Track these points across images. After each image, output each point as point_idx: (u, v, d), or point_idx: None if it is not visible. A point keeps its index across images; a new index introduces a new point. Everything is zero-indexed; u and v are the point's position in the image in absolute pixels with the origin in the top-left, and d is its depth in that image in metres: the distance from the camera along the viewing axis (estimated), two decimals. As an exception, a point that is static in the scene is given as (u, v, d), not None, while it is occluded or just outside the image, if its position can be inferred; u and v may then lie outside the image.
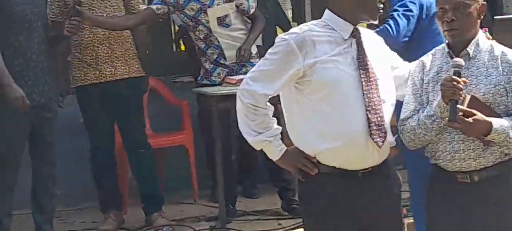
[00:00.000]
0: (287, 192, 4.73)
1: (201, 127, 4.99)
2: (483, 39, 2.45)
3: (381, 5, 2.36)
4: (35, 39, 3.97)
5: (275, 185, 4.84)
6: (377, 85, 2.32)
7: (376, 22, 2.45)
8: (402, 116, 2.48)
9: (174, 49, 6.74)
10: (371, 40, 2.46)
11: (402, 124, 2.44)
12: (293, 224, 4.30)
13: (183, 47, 6.13)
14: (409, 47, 3.20)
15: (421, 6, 3.41)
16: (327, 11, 2.38)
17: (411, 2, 3.41)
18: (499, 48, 2.41)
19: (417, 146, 2.48)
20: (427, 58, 2.50)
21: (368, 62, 2.36)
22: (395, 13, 3.34)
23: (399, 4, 3.40)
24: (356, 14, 2.35)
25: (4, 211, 3.93)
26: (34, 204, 4.09)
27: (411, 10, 3.38)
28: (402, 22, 3.37)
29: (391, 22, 3.33)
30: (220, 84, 4.48)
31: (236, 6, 4.49)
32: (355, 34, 2.35)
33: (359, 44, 2.36)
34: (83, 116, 4.52)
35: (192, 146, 5.10)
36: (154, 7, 4.50)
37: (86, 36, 4.38)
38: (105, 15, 4.39)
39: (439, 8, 2.38)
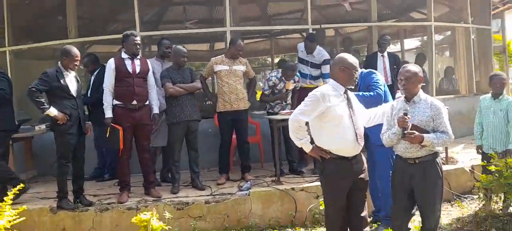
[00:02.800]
0: (293, 164, 6.67)
1: (271, 134, 6.59)
2: (422, 94, 3.95)
3: (357, 81, 4.09)
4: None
5: (289, 162, 6.68)
6: (357, 117, 3.92)
7: (353, 87, 4.08)
8: (382, 131, 4.10)
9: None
10: (352, 96, 4.02)
11: (382, 135, 4.06)
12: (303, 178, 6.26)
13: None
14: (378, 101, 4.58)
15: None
16: (331, 80, 3.98)
17: (377, 81, 4.79)
18: (429, 98, 3.96)
19: (390, 145, 4.10)
20: (395, 103, 4.10)
21: (353, 106, 3.93)
22: (377, 88, 4.72)
23: (373, 81, 4.78)
24: (345, 83, 3.90)
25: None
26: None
27: (381, 85, 4.77)
28: (382, 91, 4.76)
29: (379, 91, 4.72)
30: (276, 114, 6.50)
31: None
32: (346, 92, 3.92)
33: (348, 97, 3.91)
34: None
35: (262, 143, 7.32)
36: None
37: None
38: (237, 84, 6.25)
39: (398, 78, 3.99)
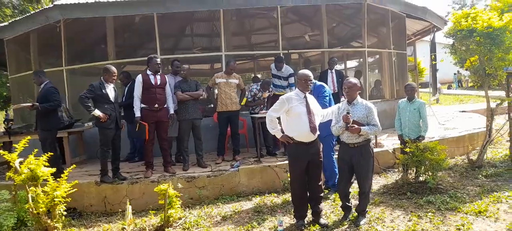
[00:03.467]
0: (269, 149, 6.57)
1: (253, 127, 6.56)
2: (359, 98, 4.07)
3: (311, 88, 4.26)
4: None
5: (266, 147, 6.60)
6: (313, 113, 4.00)
7: (308, 92, 4.10)
8: (331, 125, 4.18)
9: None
10: (312, 98, 4.16)
11: (332, 127, 4.15)
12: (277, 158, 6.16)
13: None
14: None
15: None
16: (296, 89, 4.10)
17: (325, 92, 4.90)
18: (364, 101, 4.09)
19: (337, 135, 4.18)
20: (340, 104, 4.20)
21: (310, 106, 4.02)
22: (324, 99, 4.79)
23: (322, 92, 4.85)
24: (303, 90, 4.02)
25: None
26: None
27: (327, 96, 4.92)
28: (327, 102, 4.87)
29: (327, 99, 4.84)
30: (257, 113, 6.52)
31: None
32: (305, 96, 4.02)
33: (307, 100, 4.02)
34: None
35: (247, 134, 7.26)
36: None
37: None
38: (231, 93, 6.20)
39: (343, 87, 4.10)
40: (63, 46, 7.85)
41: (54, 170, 4.45)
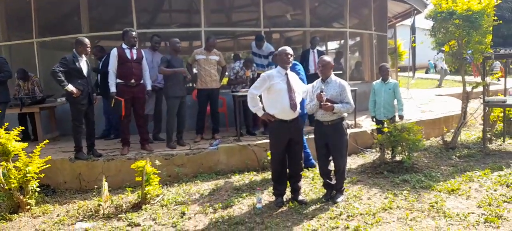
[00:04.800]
0: (249, 128, 6.59)
1: (234, 106, 6.40)
2: (333, 76, 4.11)
3: (290, 64, 4.11)
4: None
5: (246, 126, 6.63)
6: (294, 91, 4.00)
7: (288, 68, 4.06)
8: (306, 102, 4.19)
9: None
10: (293, 75, 4.17)
11: (307, 105, 4.17)
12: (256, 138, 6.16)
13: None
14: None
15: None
16: (278, 66, 4.09)
17: (300, 70, 4.98)
18: (338, 79, 4.12)
19: (311, 113, 4.18)
20: (315, 83, 4.18)
21: (291, 83, 4.02)
22: (300, 74, 4.76)
23: (297, 69, 4.87)
24: (283, 65, 4.01)
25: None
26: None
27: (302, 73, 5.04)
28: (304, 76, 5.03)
29: (301, 76, 4.75)
30: (238, 91, 6.39)
31: None
32: (286, 73, 4.02)
33: (288, 77, 4.02)
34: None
35: (227, 112, 7.19)
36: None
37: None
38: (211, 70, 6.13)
39: (318, 65, 4.13)
40: (33, 18, 7.56)
41: (26, 144, 4.36)
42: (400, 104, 5.54)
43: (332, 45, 14.34)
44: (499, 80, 7.54)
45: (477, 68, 6.69)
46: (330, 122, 4.10)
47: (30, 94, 6.67)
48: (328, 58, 4.23)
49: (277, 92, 4.00)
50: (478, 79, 6.57)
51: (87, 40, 5.32)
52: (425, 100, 10.97)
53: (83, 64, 5.32)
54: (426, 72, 26.19)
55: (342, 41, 12.17)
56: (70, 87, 5.08)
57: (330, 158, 4.29)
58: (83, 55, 5.30)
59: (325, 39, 13.42)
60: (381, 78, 5.71)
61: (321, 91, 4.03)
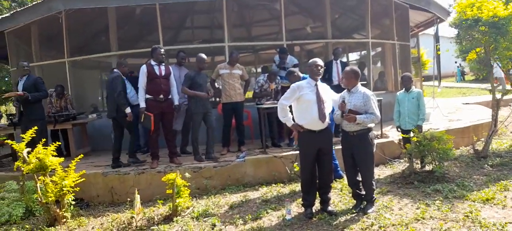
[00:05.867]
0: (274, 140, 6.61)
1: (259, 118, 6.54)
2: (359, 86, 4.05)
3: (321, 75, 4.15)
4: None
5: (271, 139, 6.62)
6: (323, 101, 3.99)
7: (319, 79, 4.08)
8: (334, 113, 4.26)
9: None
10: (323, 86, 4.13)
11: (334, 115, 4.27)
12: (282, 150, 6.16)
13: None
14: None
15: None
16: (308, 77, 4.14)
17: None
18: (363, 89, 4.06)
19: (338, 123, 4.28)
20: (342, 93, 4.23)
21: (320, 94, 4.01)
22: None
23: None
24: (313, 77, 4.04)
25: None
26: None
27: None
28: None
29: None
30: (263, 104, 6.43)
31: None
32: (316, 84, 4.04)
33: (317, 87, 4.03)
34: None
35: (252, 125, 7.31)
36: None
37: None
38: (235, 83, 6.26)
39: (342, 77, 4.25)
40: (65, 38, 7.85)
41: (62, 159, 4.51)
42: (421, 114, 5.48)
43: (353, 56, 14.29)
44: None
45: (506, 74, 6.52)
46: (355, 132, 4.09)
47: (63, 111, 6.88)
48: (350, 69, 4.22)
49: (306, 103, 4.03)
50: (508, 86, 6.42)
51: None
52: (452, 109, 10.75)
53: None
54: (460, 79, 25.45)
55: (363, 52, 12.14)
56: (128, 110, 5.55)
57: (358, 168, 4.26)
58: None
59: (346, 51, 13.38)
60: (404, 88, 5.63)
61: (343, 101, 4.06)
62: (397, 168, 5.88)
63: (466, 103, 12.06)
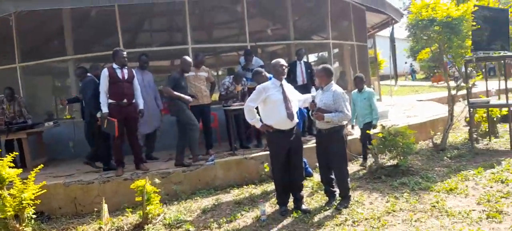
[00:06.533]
0: (242, 142, 6.54)
1: (226, 120, 6.46)
2: (332, 85, 4.12)
3: (285, 75, 4.19)
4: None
5: (239, 140, 6.54)
6: (290, 101, 4.03)
7: (283, 79, 4.12)
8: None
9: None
10: (288, 86, 4.20)
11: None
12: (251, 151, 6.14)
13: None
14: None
15: None
16: (272, 78, 4.19)
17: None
18: (334, 88, 4.10)
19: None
20: (317, 91, 4.38)
21: (286, 93, 4.07)
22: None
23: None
24: (278, 77, 4.08)
25: None
26: None
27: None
28: None
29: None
30: (230, 106, 6.33)
31: None
32: (281, 84, 4.08)
33: (283, 88, 4.08)
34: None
35: (218, 127, 7.22)
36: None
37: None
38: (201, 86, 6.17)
39: (316, 75, 4.47)
40: (16, 42, 7.37)
41: (20, 171, 4.21)
42: (374, 113, 5.68)
43: (311, 57, 14.57)
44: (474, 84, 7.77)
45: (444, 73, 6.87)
46: (326, 130, 4.15)
47: (17, 116, 6.51)
48: (322, 67, 4.28)
49: (273, 103, 4.03)
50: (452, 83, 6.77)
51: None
52: (408, 106, 11.26)
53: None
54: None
55: (321, 53, 12.44)
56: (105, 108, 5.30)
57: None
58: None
59: (306, 52, 13.61)
60: (357, 88, 5.86)
61: (313, 101, 4.13)
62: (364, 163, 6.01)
63: (420, 100, 12.69)
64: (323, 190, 4.53)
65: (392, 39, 11.28)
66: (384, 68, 18.48)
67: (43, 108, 8.67)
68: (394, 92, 12.78)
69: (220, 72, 15.57)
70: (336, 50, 11.69)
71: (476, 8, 6.23)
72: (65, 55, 7.40)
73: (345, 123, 4.21)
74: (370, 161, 5.73)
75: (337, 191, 4.41)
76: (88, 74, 5.86)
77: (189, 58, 5.93)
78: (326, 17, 9.39)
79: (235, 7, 9.78)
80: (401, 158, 5.23)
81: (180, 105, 5.62)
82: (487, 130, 6.97)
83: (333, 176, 4.36)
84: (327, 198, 4.48)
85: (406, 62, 26.97)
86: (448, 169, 5.32)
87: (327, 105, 4.09)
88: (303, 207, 4.30)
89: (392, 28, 11.16)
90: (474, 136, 6.66)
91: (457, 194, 4.36)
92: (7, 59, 7.78)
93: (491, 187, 4.44)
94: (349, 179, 4.42)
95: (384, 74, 17.29)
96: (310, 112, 4.18)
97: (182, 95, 5.61)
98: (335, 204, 4.34)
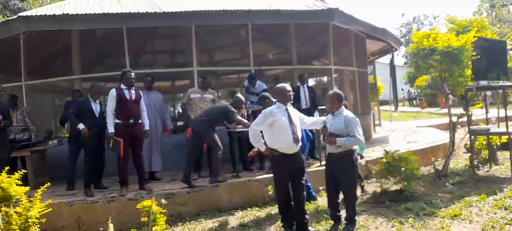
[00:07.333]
0: (245, 164, 6.54)
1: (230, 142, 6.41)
2: (344, 110, 4.14)
3: (291, 100, 4.22)
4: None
5: (243, 162, 6.47)
6: (295, 125, 4.10)
7: (289, 104, 4.19)
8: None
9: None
10: (293, 110, 4.27)
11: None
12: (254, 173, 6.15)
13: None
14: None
15: None
16: (277, 102, 4.20)
17: None
18: (346, 112, 4.13)
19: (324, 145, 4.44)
20: (328, 116, 4.35)
21: (292, 118, 4.12)
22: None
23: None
24: (284, 102, 4.12)
25: None
26: None
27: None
28: None
29: None
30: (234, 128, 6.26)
31: None
32: (286, 108, 4.13)
33: (288, 111, 4.13)
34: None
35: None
36: None
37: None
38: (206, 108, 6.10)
39: (327, 100, 4.28)
40: (23, 60, 7.45)
41: (27, 188, 4.18)
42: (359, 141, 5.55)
43: (311, 82, 14.75)
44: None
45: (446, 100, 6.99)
46: (337, 154, 4.17)
47: (19, 125, 6.51)
48: (331, 91, 4.36)
49: (279, 127, 4.06)
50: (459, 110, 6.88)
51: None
52: (408, 131, 11.34)
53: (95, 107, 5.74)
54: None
55: (319, 78, 12.59)
56: (81, 126, 5.45)
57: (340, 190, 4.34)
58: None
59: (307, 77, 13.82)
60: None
61: (324, 126, 4.15)
62: (367, 188, 6.01)
63: (419, 126, 12.79)
64: (328, 213, 4.52)
65: (392, 65, 11.47)
66: (382, 94, 18.70)
67: (44, 126, 8.69)
68: (394, 117, 12.88)
69: (220, 94, 15.64)
70: (335, 75, 11.87)
71: (475, 38, 6.39)
72: (72, 74, 7.45)
73: (357, 147, 4.24)
74: (371, 186, 5.71)
75: (342, 215, 4.40)
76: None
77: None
78: (328, 44, 9.56)
79: (238, 30, 9.94)
80: (405, 183, 5.25)
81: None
82: (487, 157, 7.02)
83: (339, 200, 4.36)
84: (332, 221, 4.46)
85: (402, 89, 27.27)
86: (452, 195, 5.35)
87: (338, 130, 4.12)
88: (311, 229, 4.28)
89: (392, 55, 11.37)
90: (475, 162, 6.70)
91: (462, 220, 4.38)
92: (13, 76, 7.83)
93: (495, 214, 4.47)
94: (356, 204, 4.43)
95: (383, 99, 17.45)
96: (321, 137, 4.17)
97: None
98: (341, 228, 4.32)
